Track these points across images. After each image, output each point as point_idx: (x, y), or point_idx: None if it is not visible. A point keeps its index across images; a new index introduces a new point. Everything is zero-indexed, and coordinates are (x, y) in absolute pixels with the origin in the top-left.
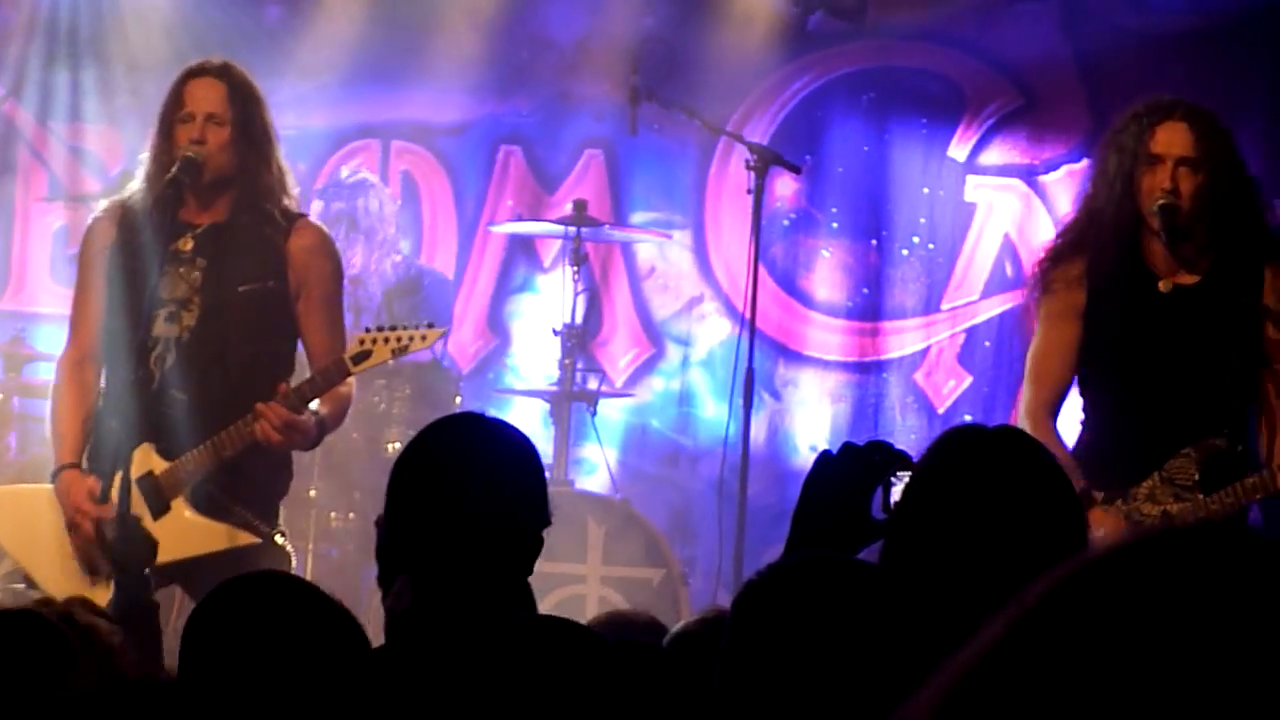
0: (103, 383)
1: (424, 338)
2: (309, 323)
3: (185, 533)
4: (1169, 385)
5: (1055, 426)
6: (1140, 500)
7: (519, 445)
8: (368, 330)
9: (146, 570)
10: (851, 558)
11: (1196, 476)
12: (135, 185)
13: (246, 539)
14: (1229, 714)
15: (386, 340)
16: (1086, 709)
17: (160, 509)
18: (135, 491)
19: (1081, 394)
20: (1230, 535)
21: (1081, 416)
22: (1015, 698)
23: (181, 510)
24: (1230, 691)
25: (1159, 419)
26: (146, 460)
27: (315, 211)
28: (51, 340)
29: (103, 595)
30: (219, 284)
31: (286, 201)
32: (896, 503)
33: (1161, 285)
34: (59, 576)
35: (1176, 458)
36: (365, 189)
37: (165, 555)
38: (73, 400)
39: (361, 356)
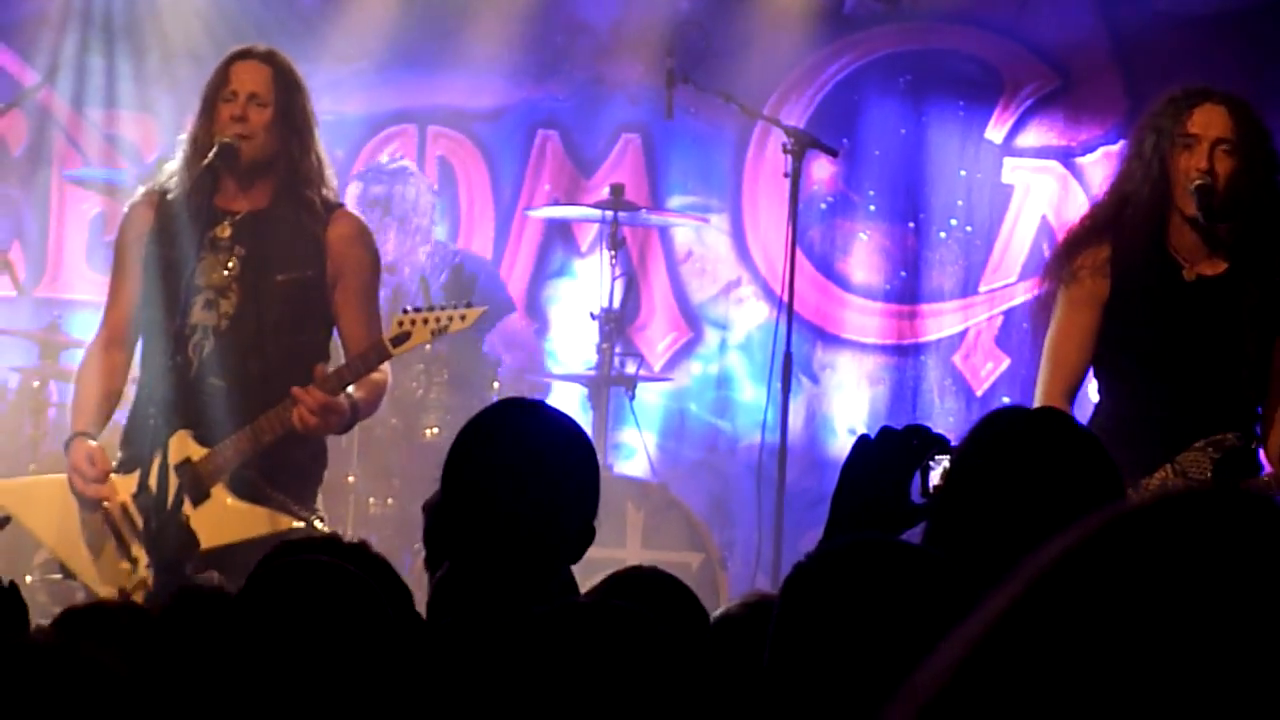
0: (135, 369)
1: (463, 317)
2: (345, 312)
3: (225, 518)
4: (1186, 376)
5: (1072, 412)
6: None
7: (574, 435)
8: (405, 311)
9: (186, 563)
10: (898, 540)
11: (1209, 472)
12: (173, 167)
13: (287, 523)
14: (1240, 679)
15: (426, 321)
16: (1105, 666)
17: (200, 495)
18: (174, 478)
19: (1097, 379)
20: (1246, 498)
21: (1096, 401)
22: (1033, 659)
23: (222, 496)
24: (1244, 654)
25: (1174, 410)
26: (184, 447)
27: (353, 195)
28: (87, 327)
29: (140, 581)
30: (257, 272)
31: (325, 191)
32: (937, 485)
33: (1185, 274)
34: (94, 566)
35: (1189, 451)
36: (404, 176)
37: (206, 542)
38: (95, 377)
39: (401, 338)
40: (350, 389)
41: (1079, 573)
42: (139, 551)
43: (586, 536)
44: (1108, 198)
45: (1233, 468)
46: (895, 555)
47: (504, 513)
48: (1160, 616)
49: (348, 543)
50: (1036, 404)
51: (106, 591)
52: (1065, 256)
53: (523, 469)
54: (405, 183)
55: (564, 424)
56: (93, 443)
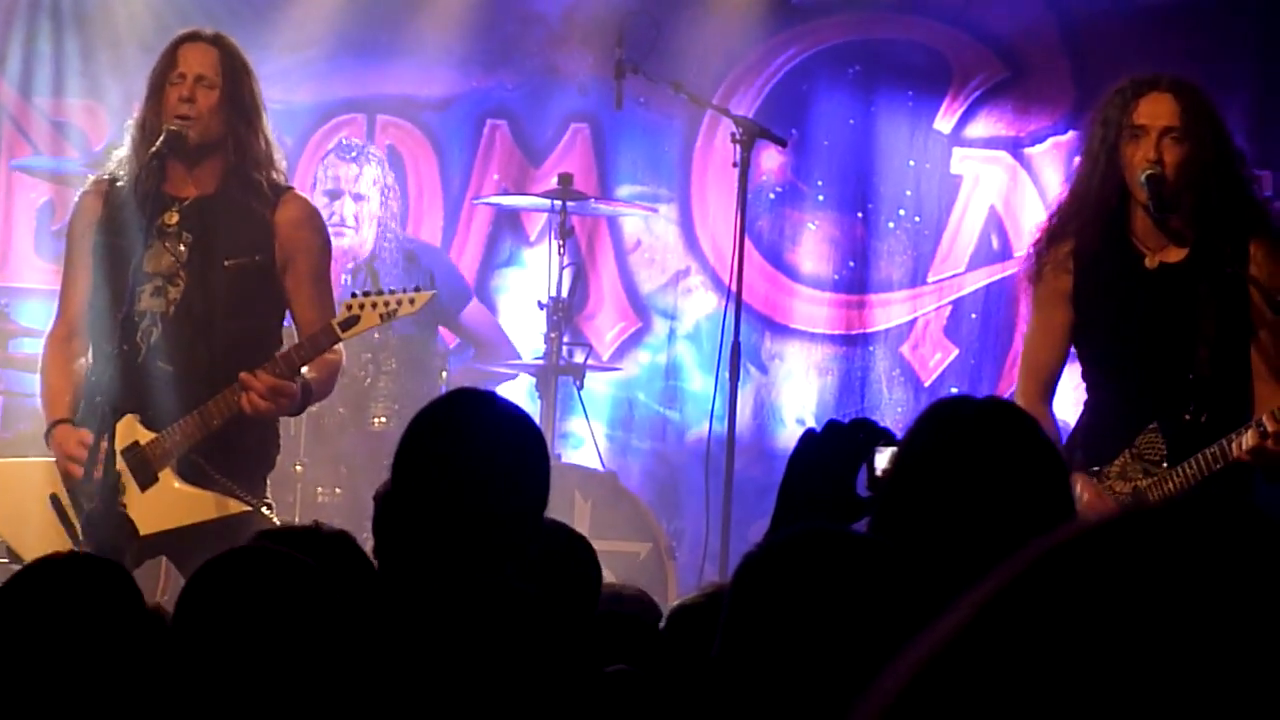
0: (89, 358)
1: (412, 301)
2: (296, 297)
3: (174, 503)
4: (1153, 363)
5: (1049, 412)
6: (1113, 478)
7: (526, 427)
8: (354, 295)
9: (125, 550)
10: (845, 529)
11: (1165, 451)
12: (122, 154)
13: (236, 508)
14: (1195, 694)
15: (375, 305)
16: (1059, 690)
17: (148, 480)
18: (121, 462)
19: (1081, 371)
20: (1199, 514)
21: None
22: (987, 677)
23: (170, 481)
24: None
25: (1143, 397)
26: (132, 431)
27: (317, 174)
28: (36, 315)
29: None
30: (205, 258)
31: (273, 173)
32: (882, 476)
33: (1147, 262)
34: (40, 550)
35: (1144, 434)
36: (365, 158)
37: (154, 525)
38: (59, 369)
39: (350, 322)
40: (304, 370)
41: (1038, 590)
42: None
43: (538, 527)
44: (1067, 195)
45: (1186, 446)
46: (843, 544)
47: (454, 503)
48: (1120, 631)
49: (328, 532)
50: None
51: None
52: (1032, 257)
53: (473, 461)
54: (371, 162)
55: (515, 416)
56: (80, 429)
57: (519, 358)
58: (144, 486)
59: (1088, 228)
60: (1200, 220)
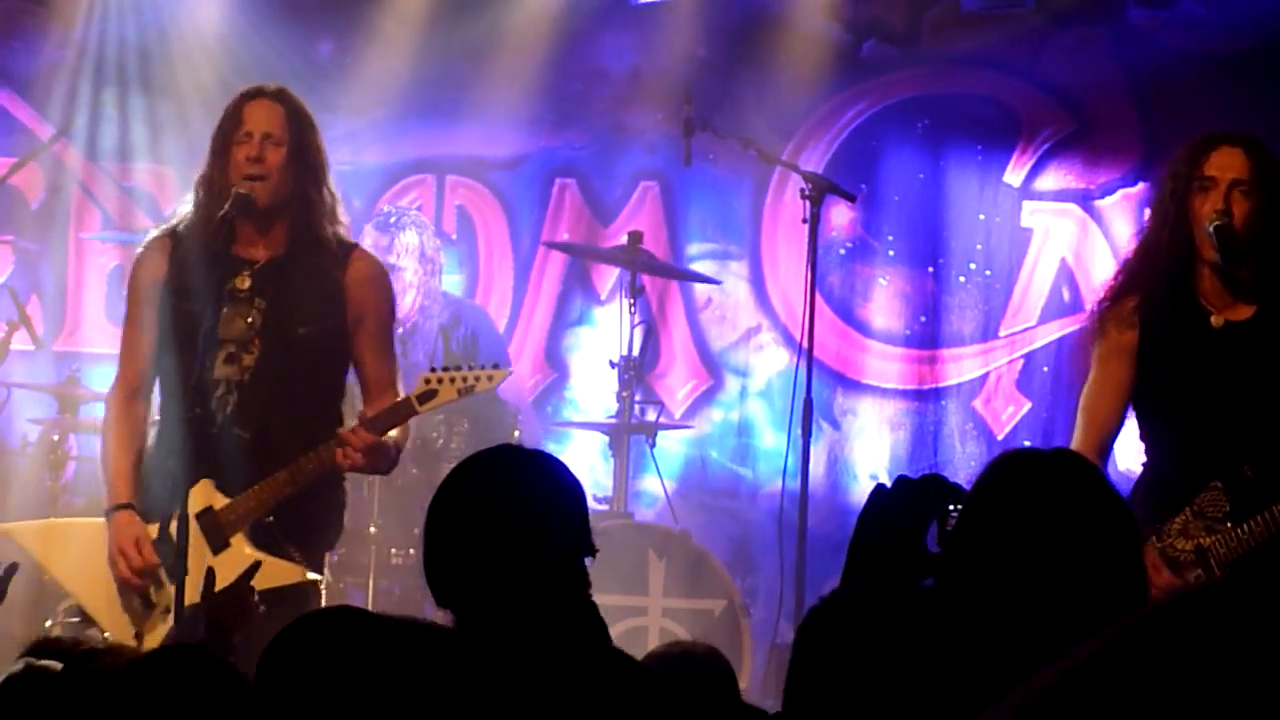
0: (154, 416)
1: (490, 378)
2: (364, 354)
3: (240, 569)
4: (1216, 422)
5: (1105, 468)
6: (1174, 536)
7: (557, 475)
8: (434, 370)
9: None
10: (909, 583)
11: (1227, 508)
12: (185, 211)
13: (303, 575)
14: None
15: (453, 380)
16: None
17: (220, 544)
18: (195, 527)
19: (1140, 428)
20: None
21: (1142, 456)
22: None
23: (241, 546)
24: None
25: (1205, 454)
26: (207, 496)
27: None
28: (106, 380)
29: (159, 631)
30: (279, 325)
31: (339, 229)
32: (951, 529)
33: (1213, 320)
34: (114, 611)
35: (1206, 491)
36: (405, 224)
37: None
38: (123, 436)
39: (427, 396)
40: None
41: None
42: (158, 597)
43: (577, 578)
44: (1135, 250)
45: (1249, 502)
46: (906, 598)
47: (477, 561)
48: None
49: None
50: None
51: (123, 635)
52: (1096, 313)
53: (492, 513)
54: (407, 229)
55: (541, 466)
56: (137, 518)
57: (567, 420)
58: (216, 551)
59: (1154, 283)
60: (1266, 277)
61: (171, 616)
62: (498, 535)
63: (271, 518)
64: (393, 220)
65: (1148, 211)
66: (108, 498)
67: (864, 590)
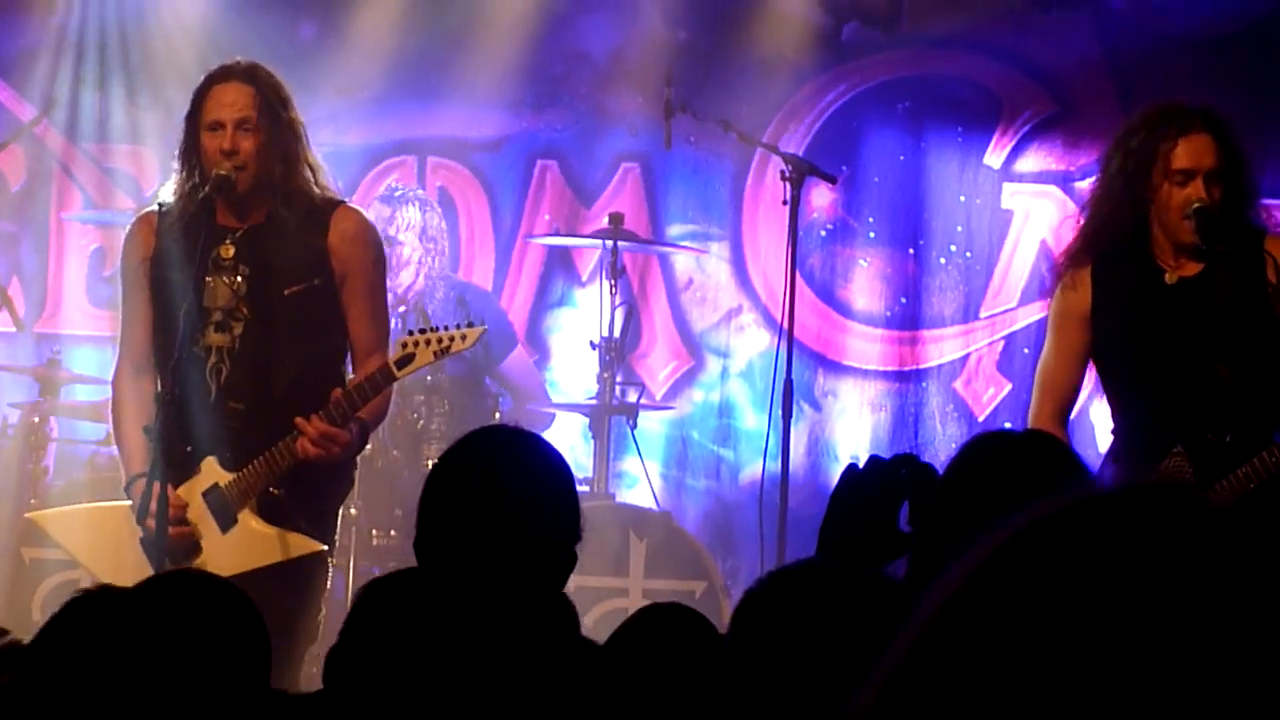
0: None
1: (464, 337)
2: (352, 312)
3: (252, 544)
4: (1175, 382)
5: (1065, 435)
6: None
7: (552, 460)
8: (410, 333)
9: None
10: (852, 565)
11: (1191, 473)
12: (169, 189)
13: (311, 548)
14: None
15: (429, 342)
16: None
17: (228, 522)
18: (202, 505)
19: (1105, 395)
20: (1165, 495)
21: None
22: (963, 662)
23: (248, 521)
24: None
25: (1167, 418)
26: (212, 473)
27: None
28: (87, 362)
29: None
30: (265, 289)
31: (321, 190)
32: (924, 510)
33: (1168, 278)
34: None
35: (1169, 458)
36: (408, 201)
37: (234, 568)
38: (132, 412)
39: (405, 360)
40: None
41: (1004, 573)
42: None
43: (567, 563)
44: (1086, 219)
45: (1213, 467)
46: (843, 579)
47: (475, 543)
48: (1080, 618)
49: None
50: (1028, 426)
51: None
52: (1051, 279)
53: (493, 498)
54: (410, 205)
55: (536, 448)
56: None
57: (552, 406)
58: (224, 529)
59: (1107, 247)
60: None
61: None
62: (496, 521)
63: (276, 489)
64: (397, 194)
65: (1093, 180)
66: (125, 470)
67: (798, 571)
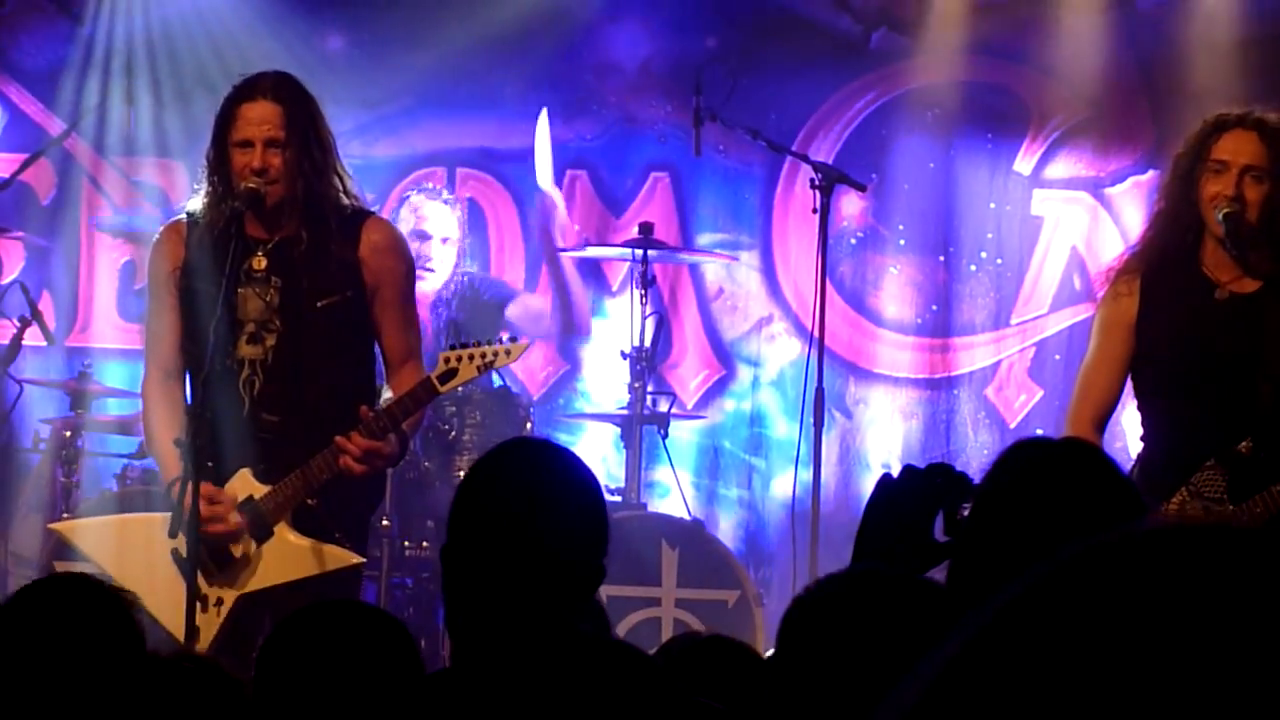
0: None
1: (508, 353)
2: (383, 323)
3: (287, 557)
4: (1213, 395)
5: (1100, 442)
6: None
7: (581, 472)
8: (452, 348)
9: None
10: (901, 573)
11: (1224, 487)
12: (198, 200)
13: (347, 560)
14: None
15: (471, 358)
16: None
17: (264, 535)
18: (239, 516)
19: (1138, 404)
20: (1232, 536)
21: (1141, 429)
22: (1001, 684)
23: (284, 534)
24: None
25: (1201, 430)
26: (246, 485)
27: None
28: (118, 376)
29: (213, 623)
30: (297, 301)
31: (349, 200)
32: (963, 520)
33: (1219, 293)
34: (169, 605)
35: (1202, 470)
36: (427, 197)
37: (269, 580)
38: (164, 418)
39: (448, 375)
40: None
41: (1045, 604)
42: (208, 589)
43: (595, 577)
44: (1145, 228)
45: (1247, 481)
46: (893, 586)
47: (505, 556)
48: (1122, 653)
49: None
50: (1065, 432)
51: (177, 628)
52: (1100, 284)
53: (523, 511)
54: (446, 203)
55: (568, 463)
56: (204, 483)
57: (581, 410)
58: (260, 541)
59: (1158, 256)
60: (1277, 256)
61: (224, 611)
62: (525, 532)
63: (312, 500)
64: (431, 187)
65: (1158, 189)
66: (164, 476)
67: (848, 578)
